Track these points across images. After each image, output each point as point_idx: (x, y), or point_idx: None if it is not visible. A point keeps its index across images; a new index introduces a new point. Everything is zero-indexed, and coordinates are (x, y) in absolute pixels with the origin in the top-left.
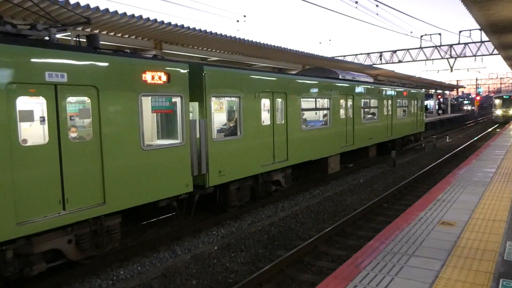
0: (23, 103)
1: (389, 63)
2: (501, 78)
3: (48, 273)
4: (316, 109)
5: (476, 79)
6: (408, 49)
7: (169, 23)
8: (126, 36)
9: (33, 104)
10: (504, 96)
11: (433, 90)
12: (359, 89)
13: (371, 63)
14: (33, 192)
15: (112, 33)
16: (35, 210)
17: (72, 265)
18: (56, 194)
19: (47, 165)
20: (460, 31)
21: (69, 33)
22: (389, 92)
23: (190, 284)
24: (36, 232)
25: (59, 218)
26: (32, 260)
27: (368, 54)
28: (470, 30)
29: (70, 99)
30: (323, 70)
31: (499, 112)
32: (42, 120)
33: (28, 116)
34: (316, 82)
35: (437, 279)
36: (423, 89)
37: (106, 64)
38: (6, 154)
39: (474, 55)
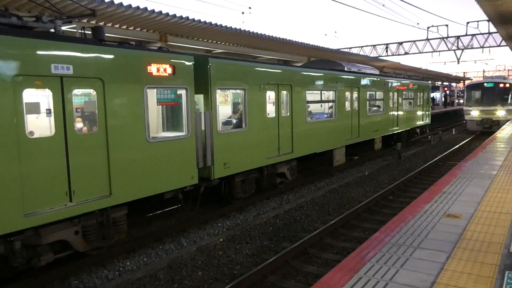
0: (29, 95)
1: (395, 55)
2: (508, 70)
3: (55, 264)
4: (321, 101)
5: (484, 71)
6: (414, 41)
7: (174, 15)
8: (131, 28)
9: (39, 97)
10: (485, 84)
11: (440, 82)
12: (364, 81)
13: (377, 55)
14: (40, 184)
15: (117, 25)
16: (42, 202)
17: (79, 256)
18: (63, 186)
19: (54, 157)
20: (467, 22)
21: (74, 25)
22: (395, 84)
23: (195, 276)
24: (43, 224)
25: (66, 209)
26: (40, 251)
27: (374, 46)
28: (477, 21)
29: (76, 91)
30: (328, 62)
31: (475, 113)
32: (49, 112)
33: (34, 108)
34: (322, 74)
35: (442, 271)
36: (429, 81)
37: (111, 56)
38: (13, 146)
39: (482, 47)
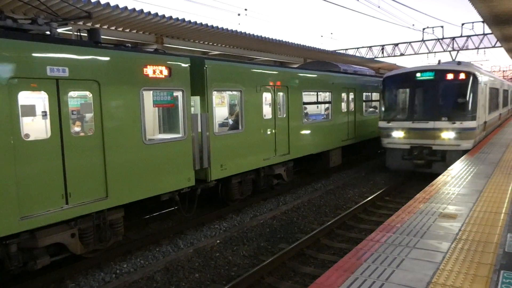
0: (25, 97)
1: (391, 56)
2: (503, 71)
3: (52, 267)
4: (317, 102)
5: None
6: (410, 42)
7: (170, 17)
8: (127, 30)
9: (35, 99)
10: (417, 75)
11: None
12: (360, 82)
13: (373, 56)
14: (36, 187)
15: (113, 28)
16: (38, 205)
17: (75, 259)
18: (59, 188)
19: (50, 160)
20: (462, 24)
21: (70, 28)
22: None
23: (193, 277)
24: (39, 226)
25: (62, 212)
26: (36, 254)
27: (370, 47)
28: (472, 22)
29: (72, 93)
30: (324, 64)
31: (398, 134)
32: (44, 114)
33: (30, 110)
34: (318, 75)
35: (438, 271)
36: None
37: (107, 58)
38: (9, 149)
39: (477, 48)
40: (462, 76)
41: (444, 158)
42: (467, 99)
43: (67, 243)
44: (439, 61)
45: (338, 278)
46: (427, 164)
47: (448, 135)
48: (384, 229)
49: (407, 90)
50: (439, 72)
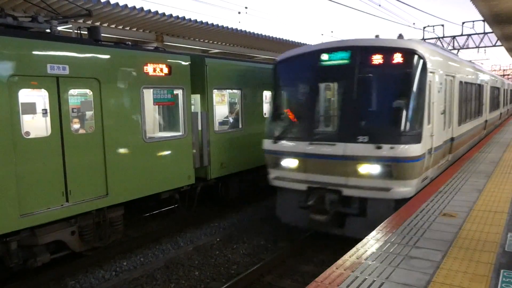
0: (25, 95)
1: None
2: (504, 70)
3: (52, 264)
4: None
5: None
6: None
7: (170, 15)
8: (127, 28)
9: (35, 97)
10: (322, 60)
11: None
12: None
13: None
14: (36, 184)
15: (113, 26)
16: (38, 202)
17: (75, 256)
18: (59, 186)
19: (50, 157)
20: (463, 23)
21: (70, 26)
22: None
23: (192, 275)
24: (39, 224)
25: (62, 210)
26: (36, 251)
27: None
28: (473, 21)
29: (72, 91)
30: None
31: (288, 163)
32: (45, 112)
33: (30, 108)
34: None
35: (438, 270)
36: None
37: (107, 56)
38: (9, 146)
39: (477, 47)
40: (397, 58)
41: (364, 212)
42: (406, 101)
43: (67, 241)
44: (377, 36)
45: (338, 276)
46: (334, 221)
47: (369, 169)
48: (384, 228)
49: (305, 85)
50: (359, 52)
